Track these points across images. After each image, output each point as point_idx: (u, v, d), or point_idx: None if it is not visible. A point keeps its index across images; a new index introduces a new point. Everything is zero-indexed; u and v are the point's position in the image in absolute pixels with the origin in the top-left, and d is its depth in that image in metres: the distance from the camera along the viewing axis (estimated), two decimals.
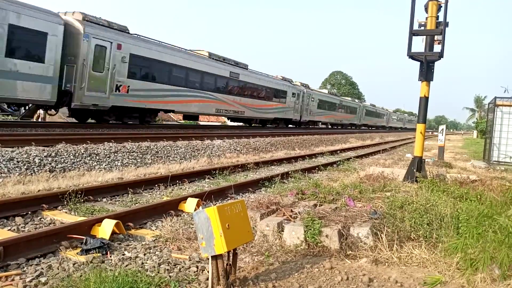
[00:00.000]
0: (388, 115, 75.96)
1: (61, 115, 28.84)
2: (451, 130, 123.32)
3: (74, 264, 4.04)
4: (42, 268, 3.91)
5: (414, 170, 8.55)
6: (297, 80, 35.55)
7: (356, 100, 58.91)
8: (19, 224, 5.30)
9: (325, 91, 48.22)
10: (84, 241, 4.48)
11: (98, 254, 4.31)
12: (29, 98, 13.85)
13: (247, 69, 27.05)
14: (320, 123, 42.63)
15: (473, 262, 3.79)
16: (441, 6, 8.53)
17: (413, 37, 8.60)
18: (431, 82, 8.74)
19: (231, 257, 3.62)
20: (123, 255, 4.42)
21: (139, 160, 10.82)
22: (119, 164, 10.12)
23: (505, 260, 3.67)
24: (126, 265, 4.10)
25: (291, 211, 5.55)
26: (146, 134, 14.29)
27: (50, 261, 4.10)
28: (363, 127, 57.81)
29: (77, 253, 4.30)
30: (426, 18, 8.62)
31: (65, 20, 14.76)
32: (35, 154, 8.73)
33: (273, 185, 9.11)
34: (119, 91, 16.78)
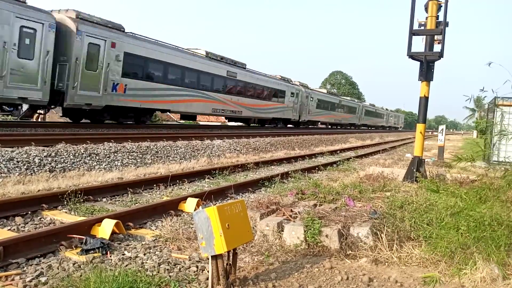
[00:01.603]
0: (387, 115, 75.16)
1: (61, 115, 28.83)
2: (451, 130, 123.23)
3: (74, 264, 4.04)
4: (42, 268, 3.91)
5: (414, 170, 8.55)
6: (296, 80, 37.16)
7: (356, 100, 60.99)
8: (19, 224, 5.30)
9: (324, 90, 50.24)
10: (84, 241, 4.48)
11: (98, 254, 4.31)
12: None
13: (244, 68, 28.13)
14: (319, 123, 44.98)
15: (451, 250, 3.85)
16: (441, 6, 8.53)
17: (413, 36, 8.61)
18: (431, 82, 8.74)
19: (231, 257, 3.62)
20: (123, 255, 4.42)
21: (139, 160, 10.82)
22: (119, 164, 10.12)
23: (475, 243, 3.74)
24: (126, 265, 4.10)
25: (291, 211, 5.55)
26: (146, 134, 14.30)
27: (50, 261, 4.10)
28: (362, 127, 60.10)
29: (77, 253, 4.30)
30: (426, 18, 8.62)
31: None
32: (35, 154, 8.73)
33: (273, 185, 9.11)
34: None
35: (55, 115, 28.29)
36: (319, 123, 44.10)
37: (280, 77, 33.16)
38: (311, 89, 39.52)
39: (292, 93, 33.67)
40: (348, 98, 58.18)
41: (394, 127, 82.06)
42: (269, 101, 30.41)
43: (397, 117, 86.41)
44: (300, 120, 36.62)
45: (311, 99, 38.50)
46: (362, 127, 59.57)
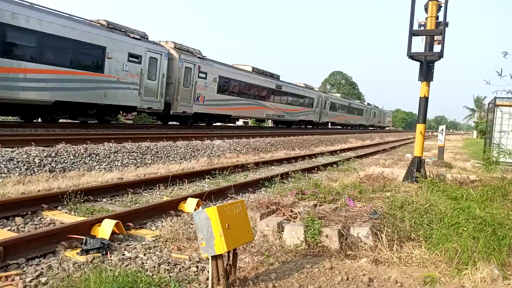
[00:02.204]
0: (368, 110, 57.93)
1: None
2: (451, 130, 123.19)
3: (74, 264, 4.04)
4: (42, 268, 3.91)
5: (414, 170, 8.54)
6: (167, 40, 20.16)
7: (314, 89, 41.05)
8: (19, 224, 5.30)
9: (249, 69, 28.02)
10: (84, 241, 4.48)
11: (98, 254, 4.31)
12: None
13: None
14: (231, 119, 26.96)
15: (458, 254, 3.83)
16: (441, 6, 8.52)
17: (413, 37, 8.60)
18: (431, 82, 8.74)
19: (231, 257, 3.62)
20: (123, 255, 4.42)
21: (139, 160, 10.81)
22: (119, 164, 10.12)
23: (482, 247, 3.71)
24: (126, 265, 4.10)
25: (291, 211, 5.55)
26: (146, 134, 14.29)
27: (50, 261, 4.10)
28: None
29: (77, 253, 4.31)
30: (426, 18, 8.61)
31: None
32: (35, 154, 8.72)
33: (273, 185, 9.10)
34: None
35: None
36: (232, 118, 26.15)
37: (105, 23, 16.58)
38: (192, 52, 21.04)
39: (134, 57, 17.25)
40: (303, 85, 37.34)
41: (379, 127, 65.83)
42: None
43: (382, 114, 68.32)
44: (172, 112, 19.93)
45: (202, 74, 21.40)
46: (335, 128, 45.25)
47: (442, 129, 18.25)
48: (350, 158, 16.51)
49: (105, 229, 4.89)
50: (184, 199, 6.73)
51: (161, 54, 18.74)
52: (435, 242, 4.20)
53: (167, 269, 4.02)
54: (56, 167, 8.76)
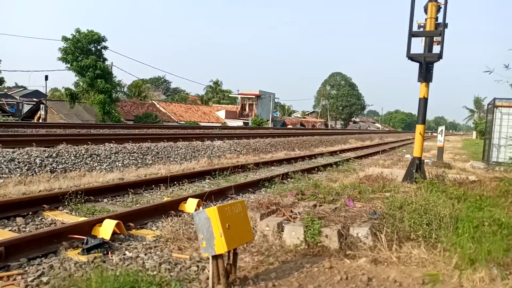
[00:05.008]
0: None
1: (62, 116, 28.92)
2: (450, 131, 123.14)
3: (75, 264, 4.07)
4: (44, 268, 3.94)
5: (413, 171, 8.56)
6: None
7: None
8: (20, 225, 5.33)
9: None
10: (85, 241, 4.50)
11: (99, 254, 4.33)
12: None
13: None
14: None
15: (471, 259, 3.80)
16: (441, 7, 8.55)
17: (413, 38, 8.63)
18: (430, 83, 8.77)
19: (231, 257, 3.65)
20: (124, 255, 4.44)
21: (139, 161, 10.84)
22: (119, 164, 10.14)
23: (499, 253, 3.68)
24: (127, 265, 4.13)
25: (291, 211, 5.57)
26: (147, 135, 14.33)
27: (51, 261, 4.13)
28: None
29: (78, 253, 4.33)
30: (426, 19, 8.64)
31: None
32: (36, 155, 8.75)
33: (273, 186, 9.13)
34: None
35: (55, 116, 28.33)
36: None
37: None
38: None
39: None
40: None
41: None
42: None
43: None
44: None
45: None
46: None
47: (442, 130, 18.27)
48: (350, 158, 16.52)
49: (106, 229, 4.91)
50: (185, 199, 6.75)
51: None
52: (448, 249, 4.10)
53: (168, 269, 4.05)
54: (57, 167, 8.79)
